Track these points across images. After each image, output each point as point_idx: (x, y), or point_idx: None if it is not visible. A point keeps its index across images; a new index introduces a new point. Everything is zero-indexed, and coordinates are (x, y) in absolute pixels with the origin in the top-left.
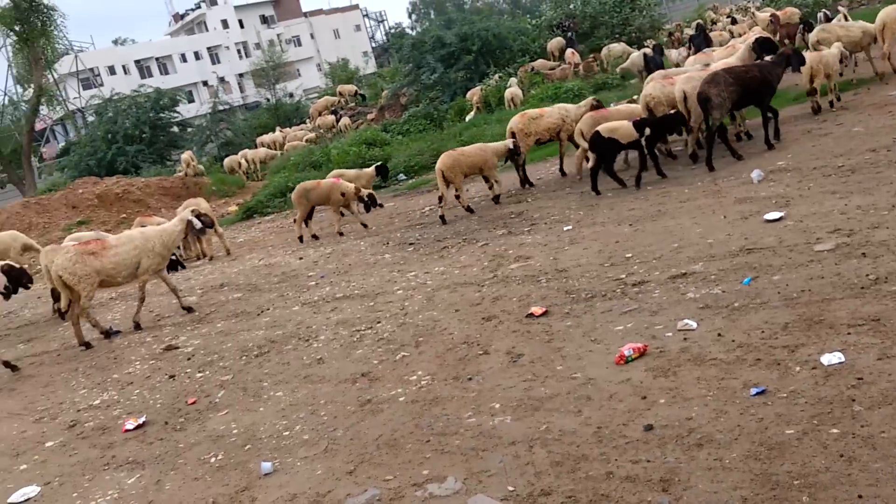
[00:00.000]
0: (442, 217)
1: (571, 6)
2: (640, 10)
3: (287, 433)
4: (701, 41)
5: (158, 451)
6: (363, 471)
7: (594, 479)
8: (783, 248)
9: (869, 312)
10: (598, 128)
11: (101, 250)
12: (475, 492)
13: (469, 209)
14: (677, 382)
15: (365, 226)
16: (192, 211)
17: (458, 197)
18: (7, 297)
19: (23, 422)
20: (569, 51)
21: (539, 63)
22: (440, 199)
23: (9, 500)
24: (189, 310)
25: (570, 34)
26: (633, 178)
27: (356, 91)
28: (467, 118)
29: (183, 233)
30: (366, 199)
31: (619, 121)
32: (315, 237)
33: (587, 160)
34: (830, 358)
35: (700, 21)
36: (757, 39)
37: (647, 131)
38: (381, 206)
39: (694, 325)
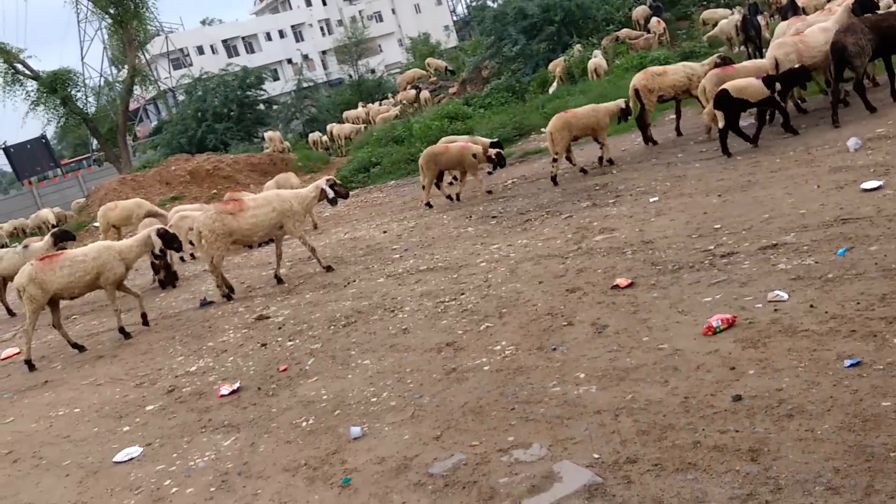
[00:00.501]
0: (553, 178)
1: None
2: None
3: (375, 399)
4: (789, 9)
5: (252, 416)
6: (449, 436)
7: (681, 448)
8: (881, 217)
9: None
10: (726, 85)
11: (239, 211)
12: (560, 458)
13: (583, 170)
14: (767, 353)
15: (489, 192)
16: (328, 180)
17: (568, 159)
18: (161, 259)
19: (125, 386)
20: (654, 19)
21: (624, 32)
22: (554, 160)
23: (114, 459)
24: (280, 280)
25: (655, 3)
26: (754, 136)
27: (445, 67)
28: (550, 90)
29: (316, 200)
30: (494, 158)
31: (746, 78)
32: (449, 198)
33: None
34: None
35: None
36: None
37: (778, 87)
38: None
39: (785, 296)
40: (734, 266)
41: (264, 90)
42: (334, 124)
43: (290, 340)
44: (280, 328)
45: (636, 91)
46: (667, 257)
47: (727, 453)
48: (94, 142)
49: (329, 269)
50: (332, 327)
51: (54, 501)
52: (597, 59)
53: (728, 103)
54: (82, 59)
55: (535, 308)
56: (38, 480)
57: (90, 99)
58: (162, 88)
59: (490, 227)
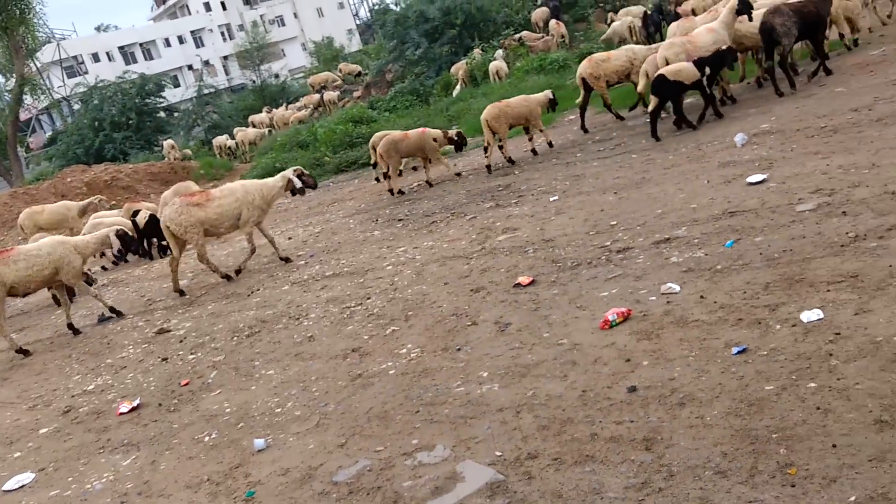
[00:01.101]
0: (488, 167)
1: None
2: None
3: (279, 410)
4: (658, 20)
5: (153, 433)
6: (354, 443)
7: (579, 441)
8: (765, 209)
9: (848, 269)
10: (662, 70)
11: (206, 202)
12: (463, 458)
13: (510, 160)
14: (660, 344)
15: (459, 174)
16: (295, 170)
17: (501, 147)
18: (117, 262)
19: (16, 410)
20: (553, 21)
21: (524, 35)
22: (485, 148)
23: (3, 488)
24: (286, 260)
25: (554, 3)
26: (697, 117)
27: (359, 72)
28: (453, 93)
29: (283, 190)
30: (455, 138)
31: (680, 63)
32: (397, 192)
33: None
34: (810, 315)
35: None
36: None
37: (707, 70)
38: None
39: (677, 288)
40: (629, 261)
41: (164, 97)
42: (240, 129)
43: (191, 354)
44: (181, 341)
45: (583, 80)
46: (566, 254)
47: (623, 444)
48: None
49: (287, 260)
50: (236, 338)
51: None
52: (498, 62)
53: (665, 87)
54: None
55: (441, 309)
56: None
57: None
58: (55, 97)
59: (396, 230)
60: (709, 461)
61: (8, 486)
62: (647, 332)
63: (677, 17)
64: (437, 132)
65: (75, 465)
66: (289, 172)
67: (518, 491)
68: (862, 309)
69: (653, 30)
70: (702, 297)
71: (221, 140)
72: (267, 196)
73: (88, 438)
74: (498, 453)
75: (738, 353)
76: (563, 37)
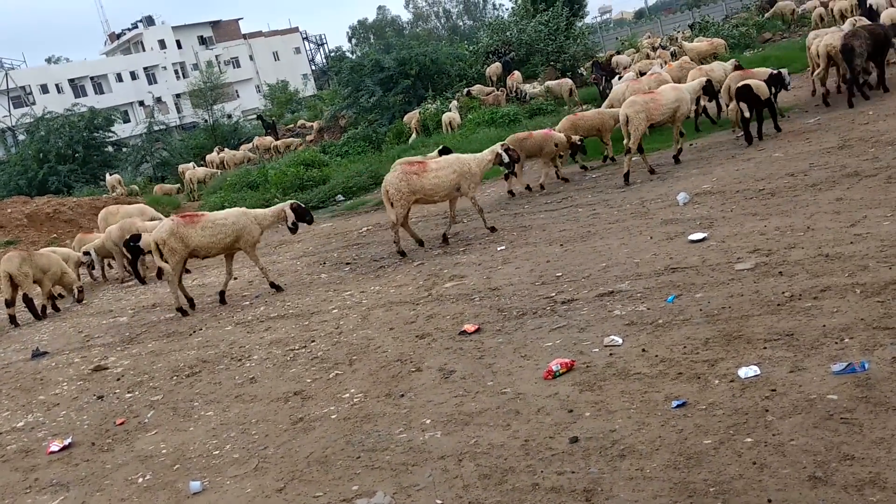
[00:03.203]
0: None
1: (508, 34)
2: (575, 39)
3: (217, 452)
4: (600, 73)
5: (84, 473)
6: (293, 488)
7: (520, 491)
8: (706, 267)
9: (784, 328)
10: (748, 82)
11: (423, 172)
12: None
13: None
14: (602, 396)
15: (565, 180)
16: (502, 144)
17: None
18: (294, 231)
19: None
20: (515, 73)
21: (476, 88)
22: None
23: None
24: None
25: (509, 57)
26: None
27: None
28: (409, 140)
29: (491, 163)
30: (578, 143)
31: (758, 81)
32: (511, 193)
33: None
34: (747, 371)
35: (596, 59)
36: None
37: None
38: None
39: (619, 340)
40: (574, 312)
41: (113, 132)
42: (187, 165)
43: (129, 392)
44: (119, 379)
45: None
46: (512, 304)
47: (563, 494)
48: None
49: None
50: (175, 378)
51: None
52: (451, 114)
53: (750, 97)
54: None
55: (385, 354)
56: None
57: None
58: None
59: (343, 273)
60: None
61: None
62: (589, 384)
63: (610, 76)
64: (561, 136)
65: None
66: (497, 147)
67: None
68: (797, 367)
69: (604, 87)
70: (643, 350)
71: (190, 170)
72: (482, 167)
73: (15, 478)
74: (438, 501)
75: (678, 406)
76: (516, 89)
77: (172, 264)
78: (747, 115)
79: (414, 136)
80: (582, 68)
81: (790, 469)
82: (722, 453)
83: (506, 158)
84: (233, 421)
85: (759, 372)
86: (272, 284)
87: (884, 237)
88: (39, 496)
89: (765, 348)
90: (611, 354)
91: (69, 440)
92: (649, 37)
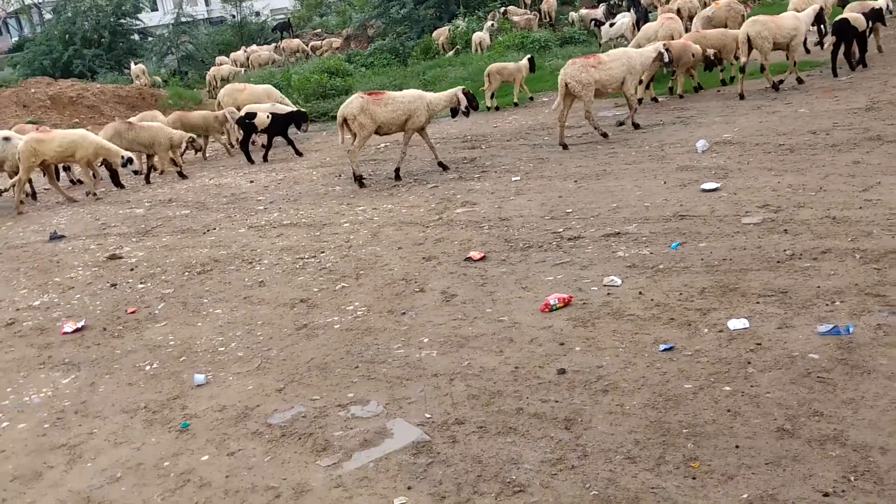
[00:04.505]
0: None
1: None
2: None
3: (222, 349)
4: (639, 11)
5: (95, 356)
6: (292, 389)
7: (505, 413)
8: (713, 217)
9: (779, 285)
10: (846, 15)
11: (598, 64)
12: (394, 416)
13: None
14: (594, 333)
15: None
16: (664, 44)
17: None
18: (467, 114)
19: None
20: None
21: (511, 10)
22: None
23: None
24: (444, 167)
25: None
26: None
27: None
28: (448, 54)
29: (653, 60)
30: (712, 58)
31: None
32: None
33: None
34: (736, 323)
35: None
36: None
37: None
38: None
39: (619, 281)
40: (578, 249)
41: (140, 20)
42: (224, 59)
43: (141, 283)
44: (132, 269)
45: (748, 37)
46: (519, 235)
47: (545, 421)
48: None
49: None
50: (187, 273)
51: None
52: (482, 34)
53: (846, 30)
54: None
55: (392, 273)
56: None
57: None
58: (26, 3)
59: (357, 188)
60: (621, 446)
61: None
62: (583, 320)
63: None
64: (698, 48)
65: (15, 376)
66: (659, 45)
67: (441, 452)
68: (785, 324)
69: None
70: (640, 293)
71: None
72: (645, 64)
73: (30, 353)
74: (427, 416)
75: (665, 350)
76: (549, 15)
77: (361, 138)
78: (833, 46)
79: (453, 52)
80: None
81: (761, 419)
82: (700, 398)
83: (667, 57)
84: (239, 321)
85: (748, 325)
86: (440, 163)
87: (893, 205)
88: (52, 372)
89: (757, 303)
90: (608, 294)
91: (82, 323)
92: None
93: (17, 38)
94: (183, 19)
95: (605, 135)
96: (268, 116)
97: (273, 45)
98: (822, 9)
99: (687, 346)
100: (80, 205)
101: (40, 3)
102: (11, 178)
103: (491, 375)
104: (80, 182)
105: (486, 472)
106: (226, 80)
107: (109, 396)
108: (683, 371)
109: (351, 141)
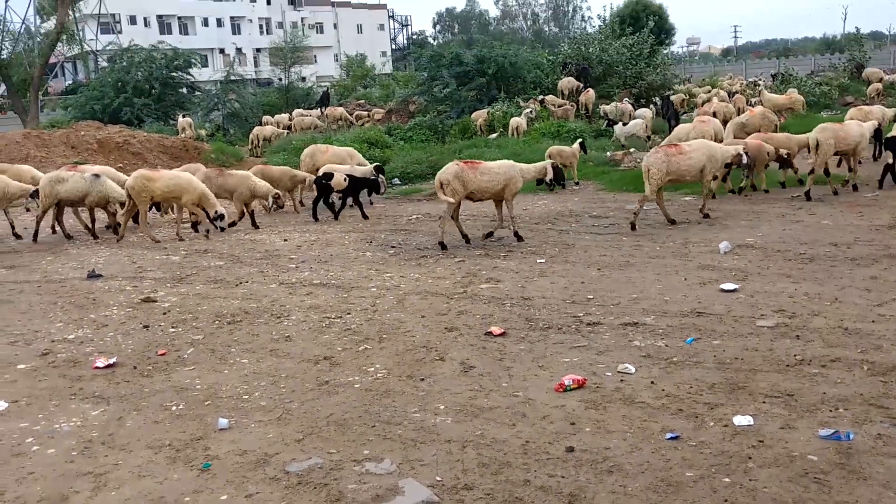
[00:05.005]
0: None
1: (590, 49)
2: (655, 68)
3: (246, 397)
4: (669, 111)
5: (124, 392)
6: (310, 441)
7: (512, 484)
8: (729, 317)
9: (786, 388)
10: None
11: (679, 154)
12: (406, 475)
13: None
14: (605, 416)
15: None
16: (744, 147)
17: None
18: (551, 188)
19: None
20: (590, 91)
21: (549, 99)
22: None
23: None
24: (519, 237)
25: (584, 66)
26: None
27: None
28: (491, 137)
29: (732, 159)
30: (786, 157)
31: None
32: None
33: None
34: (742, 420)
35: (668, 93)
36: None
37: None
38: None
39: (633, 369)
40: (596, 335)
41: (191, 74)
42: (270, 119)
43: (172, 327)
44: (165, 313)
45: (817, 143)
46: (540, 315)
47: (550, 494)
48: (2, 87)
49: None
50: (217, 322)
51: None
52: (519, 119)
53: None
54: (6, 0)
55: (413, 339)
56: None
57: (6, 43)
58: (85, 49)
59: (387, 255)
60: None
61: None
62: (595, 403)
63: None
64: (771, 147)
65: (46, 404)
66: (739, 148)
67: None
68: (788, 425)
69: (673, 122)
70: (652, 382)
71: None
72: (724, 158)
73: (62, 383)
74: (438, 478)
75: (671, 438)
76: (586, 107)
77: (452, 202)
78: (890, 161)
79: (496, 134)
80: (657, 97)
81: None
82: (699, 487)
83: (745, 160)
84: (264, 372)
85: (752, 422)
86: (516, 234)
87: None
88: (82, 404)
89: (764, 402)
90: (621, 380)
91: (114, 360)
92: (730, 78)
93: (70, 82)
94: (232, 78)
95: (672, 221)
96: (345, 179)
97: (317, 110)
98: (880, 125)
99: (692, 436)
100: (118, 246)
101: (98, 51)
102: (89, 212)
103: (502, 447)
104: (116, 227)
105: None
106: (268, 141)
107: (136, 431)
108: (686, 460)
109: (452, 209)
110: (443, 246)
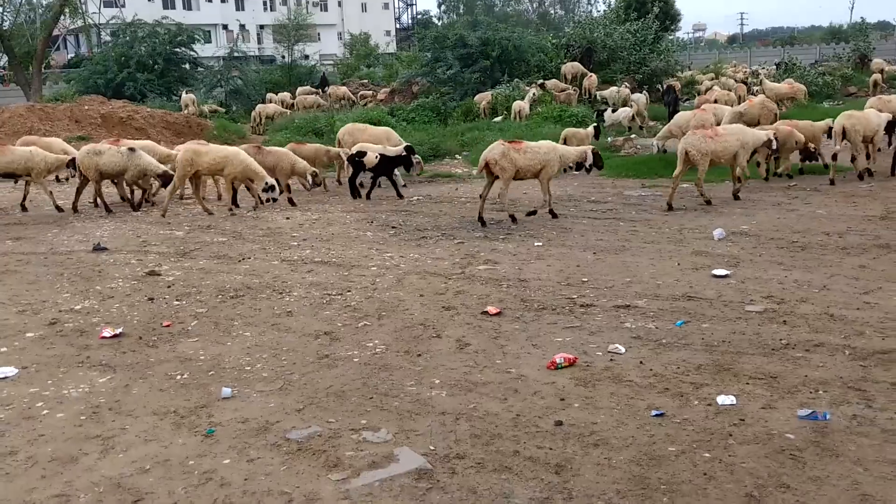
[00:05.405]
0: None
1: (595, 34)
2: (659, 54)
3: (249, 368)
4: (672, 100)
5: (130, 361)
6: (310, 411)
7: (502, 454)
8: (720, 302)
9: (770, 370)
10: None
11: (716, 136)
12: (401, 444)
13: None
14: (593, 393)
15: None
16: (775, 132)
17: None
18: (589, 171)
19: (6, 310)
20: (593, 77)
21: (551, 83)
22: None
23: None
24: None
25: (588, 46)
26: None
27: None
28: (494, 120)
29: (763, 143)
30: (812, 150)
31: None
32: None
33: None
34: (725, 399)
35: (671, 83)
36: None
37: None
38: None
39: (622, 350)
40: (589, 316)
41: (194, 50)
42: (274, 97)
43: (177, 300)
44: (169, 287)
45: (843, 129)
46: (535, 297)
47: (538, 464)
48: (4, 58)
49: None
50: (220, 296)
51: None
52: (522, 103)
53: None
54: None
55: (412, 317)
56: None
57: (7, 14)
58: (88, 23)
59: (388, 236)
60: (604, 494)
61: None
62: (585, 380)
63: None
64: (801, 136)
65: (55, 371)
66: (770, 133)
67: (441, 481)
68: (769, 405)
69: (671, 109)
70: (641, 362)
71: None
72: (756, 143)
73: (70, 351)
74: (431, 447)
75: (656, 415)
76: (589, 92)
77: (504, 181)
78: None
79: (501, 117)
80: (659, 84)
81: (733, 485)
82: (681, 461)
83: (774, 145)
84: (266, 345)
85: (735, 402)
86: (551, 212)
87: (889, 310)
88: (90, 371)
89: (747, 384)
90: (611, 360)
91: (120, 330)
92: (734, 66)
93: (73, 55)
94: (235, 54)
95: (708, 202)
96: (376, 157)
97: (321, 89)
98: (894, 116)
99: (677, 414)
100: (122, 220)
101: (101, 25)
102: (128, 187)
103: (493, 419)
104: (128, 199)
105: (480, 502)
106: (270, 119)
107: (142, 398)
108: (670, 436)
109: (485, 187)
110: (513, 219)
